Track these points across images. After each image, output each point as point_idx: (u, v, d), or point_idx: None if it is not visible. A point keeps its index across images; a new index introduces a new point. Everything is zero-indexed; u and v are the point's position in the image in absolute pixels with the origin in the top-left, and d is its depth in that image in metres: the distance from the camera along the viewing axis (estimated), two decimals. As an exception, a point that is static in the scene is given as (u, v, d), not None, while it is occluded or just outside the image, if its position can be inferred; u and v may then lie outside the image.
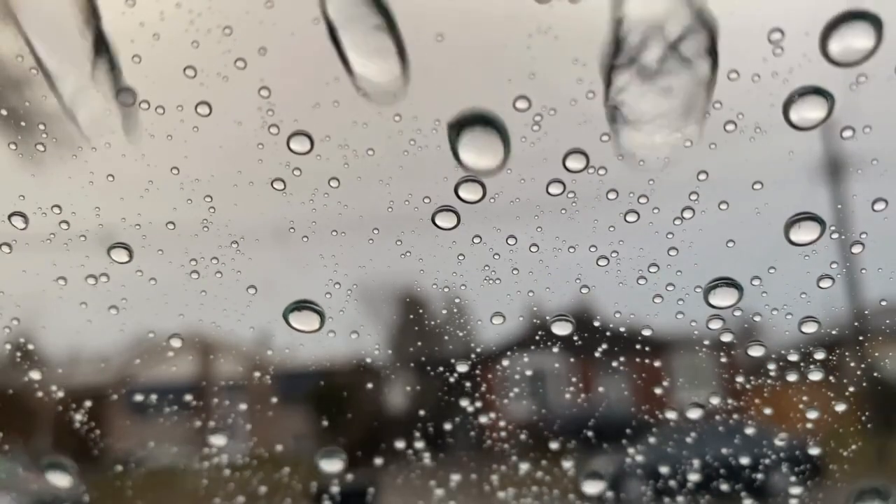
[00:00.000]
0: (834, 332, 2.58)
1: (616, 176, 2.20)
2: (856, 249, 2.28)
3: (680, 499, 3.18)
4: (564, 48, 1.97)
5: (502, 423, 3.43)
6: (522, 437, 3.41)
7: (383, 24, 1.68)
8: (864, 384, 2.86)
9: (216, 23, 1.98)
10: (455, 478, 3.12)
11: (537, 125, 2.08)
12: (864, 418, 2.93)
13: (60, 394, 2.87)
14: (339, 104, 2.06)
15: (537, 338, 2.68)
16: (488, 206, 2.19)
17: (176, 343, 2.65)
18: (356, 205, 2.27)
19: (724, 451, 3.05)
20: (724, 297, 2.28)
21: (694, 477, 3.17)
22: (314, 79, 2.08)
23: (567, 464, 3.12)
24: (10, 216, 2.20)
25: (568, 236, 2.36)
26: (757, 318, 2.51)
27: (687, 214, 2.31)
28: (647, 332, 2.68)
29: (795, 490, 2.96)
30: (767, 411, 2.96)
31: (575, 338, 2.51)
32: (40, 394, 2.80)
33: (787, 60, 1.88)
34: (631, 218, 2.30)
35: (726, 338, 2.49)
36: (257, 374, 3.32)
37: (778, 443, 3.41)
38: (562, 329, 2.45)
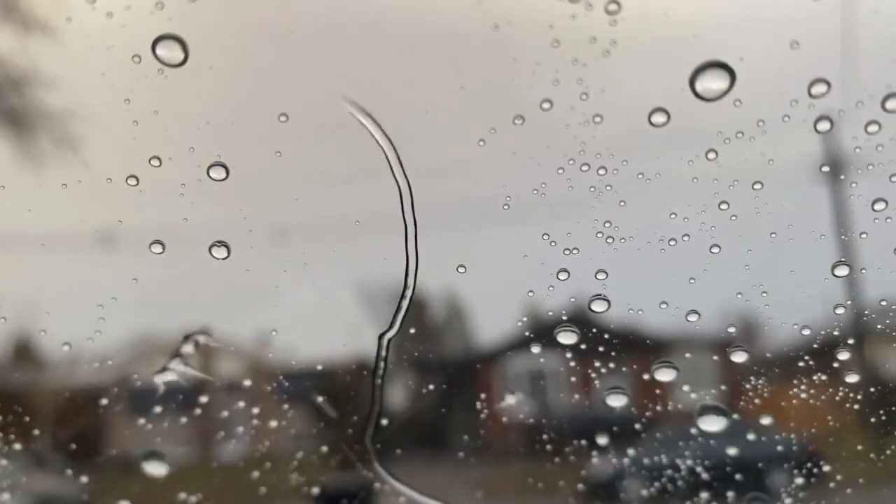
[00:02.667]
0: (834, 332, 2.58)
1: (616, 175, 2.20)
2: (856, 249, 2.28)
3: (680, 499, 3.18)
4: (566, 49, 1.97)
5: (502, 423, 3.43)
6: (522, 436, 3.42)
7: None
8: (864, 384, 2.86)
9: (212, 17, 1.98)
10: (455, 477, 3.12)
11: (536, 121, 2.08)
12: (863, 418, 2.93)
13: (61, 394, 2.87)
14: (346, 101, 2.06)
15: (537, 337, 2.68)
16: (487, 207, 2.19)
17: (175, 343, 2.65)
18: (356, 204, 2.27)
19: (723, 451, 3.05)
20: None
21: (693, 477, 3.17)
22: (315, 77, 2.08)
23: (568, 463, 3.12)
24: (10, 216, 2.20)
25: (568, 236, 2.36)
26: (757, 316, 2.50)
27: (688, 214, 2.31)
28: (647, 333, 2.68)
29: (795, 490, 2.96)
30: (767, 411, 2.96)
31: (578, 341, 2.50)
32: (40, 394, 2.80)
33: (789, 59, 1.88)
34: (632, 217, 2.30)
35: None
36: (257, 374, 3.32)
37: (777, 442, 3.41)
38: (567, 339, 2.41)
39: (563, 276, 2.38)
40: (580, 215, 2.31)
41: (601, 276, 2.32)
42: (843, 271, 2.25)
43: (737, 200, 2.26)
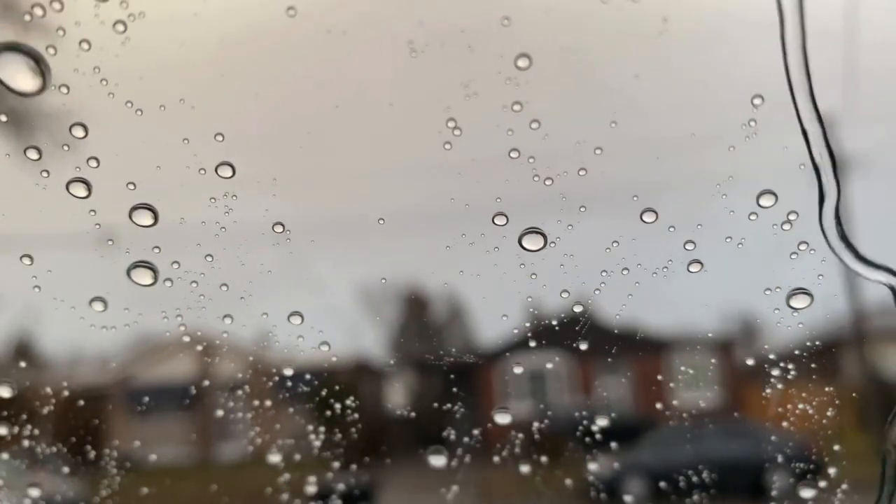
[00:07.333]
0: (834, 333, 2.58)
1: (618, 176, 2.20)
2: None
3: (680, 498, 3.18)
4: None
5: (503, 423, 3.43)
6: (523, 436, 3.42)
7: None
8: (864, 384, 2.86)
9: (212, 24, 1.98)
10: (456, 477, 3.12)
11: (536, 122, 2.08)
12: (863, 418, 2.93)
13: (61, 394, 2.87)
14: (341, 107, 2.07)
15: (537, 338, 2.68)
16: (488, 206, 2.19)
17: (176, 344, 2.65)
18: (357, 204, 2.28)
19: (724, 451, 3.06)
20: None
21: (694, 476, 3.17)
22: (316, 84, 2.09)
23: (568, 463, 3.13)
24: (10, 216, 2.20)
25: (569, 235, 2.36)
26: (759, 318, 2.50)
27: (688, 213, 2.31)
28: (646, 333, 2.68)
29: (794, 490, 2.97)
30: (767, 411, 2.96)
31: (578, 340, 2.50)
32: (41, 394, 2.80)
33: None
34: (633, 217, 2.30)
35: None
36: (257, 374, 3.33)
37: (777, 442, 3.41)
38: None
39: (563, 277, 2.38)
40: (580, 214, 2.31)
41: (602, 276, 2.33)
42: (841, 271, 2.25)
43: (737, 201, 2.27)
